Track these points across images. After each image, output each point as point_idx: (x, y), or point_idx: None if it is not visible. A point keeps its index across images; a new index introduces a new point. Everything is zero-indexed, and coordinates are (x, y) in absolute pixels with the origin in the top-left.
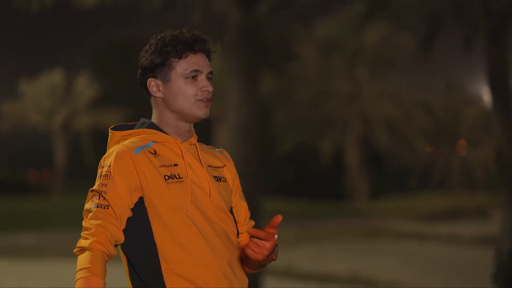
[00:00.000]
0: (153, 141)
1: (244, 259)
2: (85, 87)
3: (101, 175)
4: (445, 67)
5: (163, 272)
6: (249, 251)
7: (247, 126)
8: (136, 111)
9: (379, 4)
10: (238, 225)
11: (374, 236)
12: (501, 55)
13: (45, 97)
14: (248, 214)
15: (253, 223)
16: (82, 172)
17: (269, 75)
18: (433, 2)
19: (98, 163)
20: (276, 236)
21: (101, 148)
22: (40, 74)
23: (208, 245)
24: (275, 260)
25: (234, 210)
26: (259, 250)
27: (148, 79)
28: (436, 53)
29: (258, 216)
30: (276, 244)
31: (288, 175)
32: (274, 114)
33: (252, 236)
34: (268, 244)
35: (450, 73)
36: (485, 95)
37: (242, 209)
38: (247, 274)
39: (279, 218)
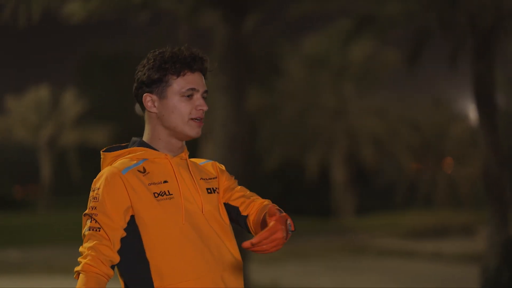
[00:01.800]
0: (143, 158)
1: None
2: (72, 102)
3: (92, 198)
4: (431, 83)
5: None
6: (268, 250)
7: (234, 141)
8: (123, 126)
9: (366, 20)
10: (240, 209)
11: (360, 253)
12: (487, 71)
13: (31, 112)
14: (241, 188)
15: (248, 192)
16: (68, 187)
17: (255, 90)
18: (419, 18)
19: (84, 178)
20: (279, 217)
21: (87, 164)
22: (27, 89)
23: (200, 260)
24: (294, 231)
25: (230, 201)
26: (275, 243)
27: (144, 94)
28: (422, 69)
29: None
30: (287, 219)
31: (274, 190)
32: (260, 129)
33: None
34: (279, 234)
35: (437, 89)
36: (472, 111)
37: (236, 194)
38: None
39: (273, 209)
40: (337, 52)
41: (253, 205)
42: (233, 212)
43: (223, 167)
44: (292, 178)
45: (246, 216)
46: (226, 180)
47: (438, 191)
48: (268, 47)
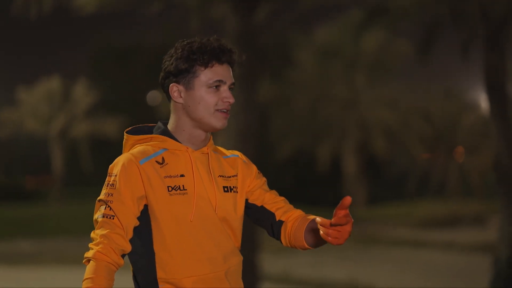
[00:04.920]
0: (164, 148)
1: (307, 238)
2: (83, 93)
3: (108, 184)
4: (443, 73)
5: (159, 280)
6: (330, 239)
7: (246, 132)
8: (134, 117)
9: (377, 10)
10: (267, 206)
11: (372, 243)
12: (498, 61)
13: (42, 103)
14: (273, 193)
15: (283, 198)
16: (80, 178)
17: (267, 81)
18: (431, 8)
19: (96, 169)
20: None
21: (99, 155)
22: (38, 80)
23: (206, 258)
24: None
25: (253, 200)
26: (340, 235)
27: (171, 84)
28: (434, 59)
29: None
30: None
31: (286, 181)
32: (272, 120)
33: (331, 224)
34: (348, 227)
35: (448, 80)
36: (483, 101)
37: (265, 194)
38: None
39: (348, 200)
40: (349, 42)
41: (291, 214)
42: (263, 215)
43: (249, 161)
44: (304, 168)
45: (283, 222)
46: (255, 179)
47: (450, 181)
48: (280, 38)
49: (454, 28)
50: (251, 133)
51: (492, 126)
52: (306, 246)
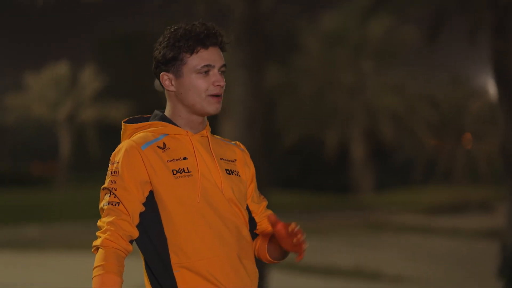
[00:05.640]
0: (164, 133)
1: (270, 249)
2: (90, 79)
3: (111, 172)
4: (450, 60)
5: (173, 265)
6: (300, 241)
7: (252, 119)
8: (141, 103)
9: None
10: (254, 215)
11: (378, 229)
12: (506, 47)
13: (49, 89)
14: (265, 203)
15: (270, 211)
16: (87, 164)
17: (274, 68)
18: None
19: (103, 155)
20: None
21: (106, 141)
22: (45, 66)
23: (217, 238)
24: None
25: (249, 201)
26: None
27: (161, 73)
28: (441, 45)
29: None
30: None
31: (293, 167)
32: (279, 106)
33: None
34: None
35: (455, 66)
36: (491, 87)
37: (256, 199)
38: (268, 265)
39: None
40: (356, 28)
41: (266, 229)
42: (250, 222)
43: (246, 150)
44: (311, 154)
45: (257, 235)
46: (252, 179)
47: (457, 167)
48: (286, 24)
49: (462, 14)
50: (258, 120)
51: (499, 112)
52: (268, 258)
